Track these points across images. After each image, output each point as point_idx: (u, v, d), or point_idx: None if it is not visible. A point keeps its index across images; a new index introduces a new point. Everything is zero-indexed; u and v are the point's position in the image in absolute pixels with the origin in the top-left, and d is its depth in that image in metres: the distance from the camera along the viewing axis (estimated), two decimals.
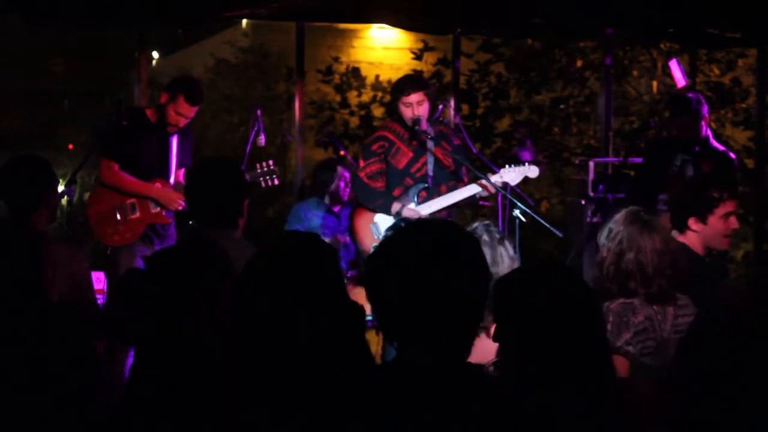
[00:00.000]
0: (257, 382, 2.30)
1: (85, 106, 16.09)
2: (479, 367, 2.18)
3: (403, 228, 2.19)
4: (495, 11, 7.71)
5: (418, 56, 11.28)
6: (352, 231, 5.82)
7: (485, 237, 3.74)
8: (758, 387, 2.28)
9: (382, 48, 15.50)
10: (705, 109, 5.95)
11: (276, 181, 5.69)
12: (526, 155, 7.16)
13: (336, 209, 6.79)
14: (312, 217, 6.68)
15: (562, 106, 11.38)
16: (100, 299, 6.28)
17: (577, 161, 8.60)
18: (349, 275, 5.86)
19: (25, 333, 3.48)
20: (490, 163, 5.99)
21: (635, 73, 11.41)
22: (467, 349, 2.14)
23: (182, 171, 5.83)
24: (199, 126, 12.82)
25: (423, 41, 11.19)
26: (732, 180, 6.05)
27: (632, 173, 8.38)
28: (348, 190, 6.66)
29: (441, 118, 6.16)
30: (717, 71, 10.92)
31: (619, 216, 3.87)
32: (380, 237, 2.90)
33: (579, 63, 11.21)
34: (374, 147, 5.72)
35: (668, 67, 8.92)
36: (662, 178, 6.03)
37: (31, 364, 3.39)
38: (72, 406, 3.33)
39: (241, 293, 2.39)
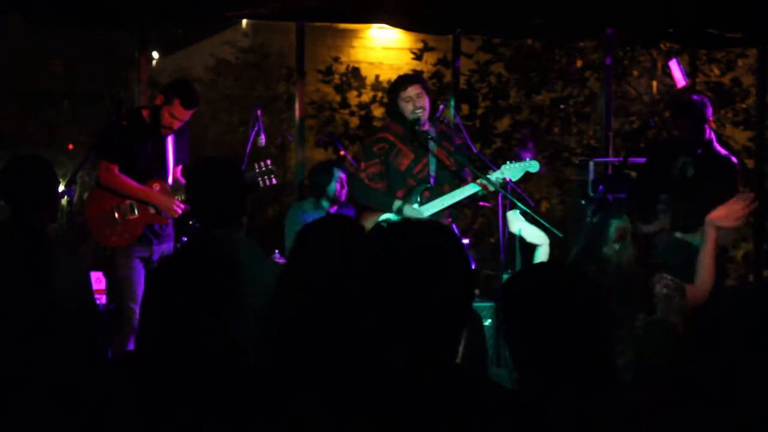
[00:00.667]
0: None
1: (85, 106, 16.09)
2: (465, 369, 2.17)
3: (383, 229, 2.18)
4: (495, 11, 7.71)
5: (418, 56, 11.29)
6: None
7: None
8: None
9: (382, 48, 15.50)
10: (709, 111, 5.93)
11: (274, 181, 5.69)
12: (528, 156, 7.16)
13: (332, 210, 6.78)
14: (310, 219, 6.67)
15: (562, 106, 11.38)
16: (100, 299, 6.30)
17: (577, 161, 8.61)
18: None
19: (28, 333, 3.49)
20: (490, 162, 5.99)
21: (635, 73, 11.41)
22: (453, 351, 2.12)
23: (179, 168, 5.83)
24: (199, 126, 12.82)
25: (423, 41, 11.20)
26: (732, 184, 6.04)
27: (632, 173, 8.39)
28: (344, 191, 6.64)
29: (441, 118, 6.16)
30: (717, 71, 10.92)
31: (609, 232, 3.88)
32: None
33: (579, 63, 11.21)
34: (375, 148, 5.72)
35: (668, 67, 8.91)
36: (663, 179, 6.02)
37: (34, 363, 3.39)
38: (76, 404, 3.33)
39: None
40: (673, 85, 9.20)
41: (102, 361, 3.87)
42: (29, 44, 14.82)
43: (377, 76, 12.00)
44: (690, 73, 9.58)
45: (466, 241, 6.46)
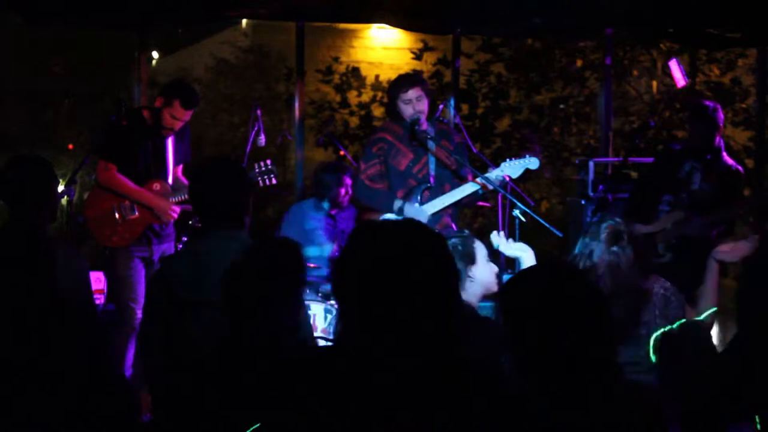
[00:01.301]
0: None
1: (85, 106, 16.08)
2: (466, 366, 2.16)
3: (365, 227, 2.20)
4: (495, 11, 7.71)
5: (418, 56, 11.29)
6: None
7: (460, 248, 3.78)
8: None
9: (382, 48, 15.50)
10: (720, 117, 5.92)
11: (274, 181, 5.68)
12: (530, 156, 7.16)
13: (332, 212, 6.78)
14: (309, 219, 6.67)
15: (562, 106, 11.39)
16: (100, 299, 6.30)
17: (577, 161, 8.61)
18: None
19: (28, 333, 3.49)
20: (490, 162, 5.98)
21: (635, 73, 11.42)
22: (441, 344, 2.12)
23: (180, 168, 5.83)
24: (199, 126, 12.83)
25: (423, 41, 11.20)
26: (734, 196, 6.04)
27: (632, 173, 8.39)
28: (347, 197, 6.63)
29: (441, 118, 6.16)
30: (717, 71, 10.92)
31: (602, 234, 3.89)
32: None
33: (579, 63, 11.21)
34: (374, 149, 5.71)
35: (668, 67, 8.92)
36: (669, 181, 6.03)
37: (34, 363, 3.39)
38: (85, 402, 3.33)
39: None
40: (673, 85, 9.20)
41: (103, 361, 3.87)
42: (29, 44, 14.82)
43: (377, 76, 12.01)
44: (690, 73, 9.57)
45: None
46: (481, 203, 6.30)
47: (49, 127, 16.26)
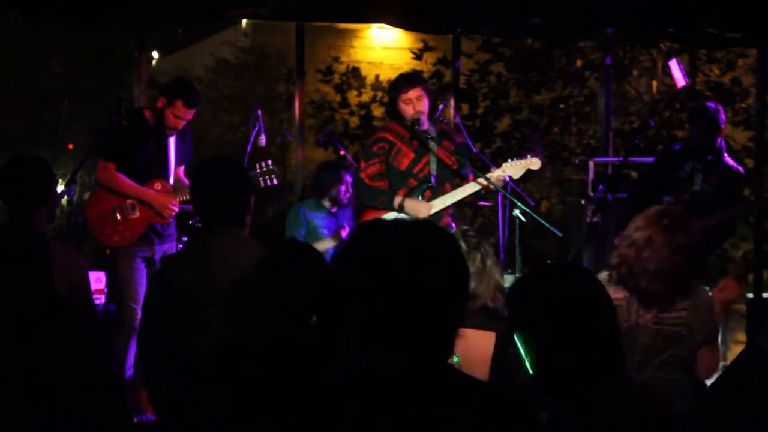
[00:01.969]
0: None
1: (85, 106, 16.09)
2: (457, 371, 2.15)
3: (372, 227, 2.14)
4: (495, 11, 7.71)
5: (418, 56, 11.29)
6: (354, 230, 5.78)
7: (461, 243, 3.74)
8: None
9: (382, 48, 15.52)
10: (722, 119, 5.92)
11: (275, 181, 5.68)
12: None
13: (333, 209, 6.79)
14: (311, 218, 6.68)
15: (562, 106, 11.39)
16: (100, 299, 6.30)
17: (577, 161, 8.61)
18: None
19: (27, 333, 3.49)
20: (490, 162, 5.99)
21: (635, 73, 11.42)
22: (446, 351, 2.09)
23: (182, 168, 5.83)
24: (199, 126, 12.84)
25: (423, 41, 11.20)
26: (735, 196, 6.04)
27: (632, 173, 8.39)
28: (348, 195, 6.64)
29: (441, 117, 6.16)
30: (717, 71, 10.92)
31: (648, 212, 3.82)
32: None
33: (579, 63, 11.21)
34: (374, 148, 5.71)
35: (668, 67, 8.92)
36: (669, 181, 6.03)
37: (33, 363, 3.39)
38: (85, 403, 3.33)
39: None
40: (673, 85, 9.20)
41: (100, 362, 3.87)
42: (29, 44, 14.82)
43: (377, 76, 12.01)
44: (690, 73, 9.57)
45: None
46: (481, 202, 6.30)
47: (49, 127, 16.27)
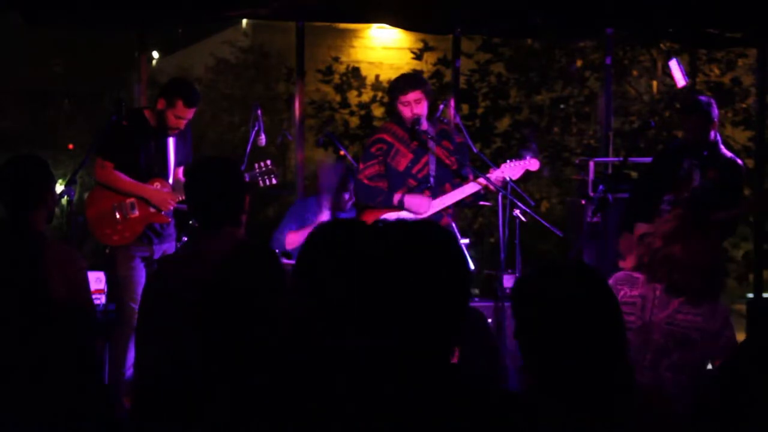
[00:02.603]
0: None
1: (85, 106, 16.11)
2: (461, 369, 2.15)
3: (376, 227, 2.15)
4: (495, 11, 7.70)
5: (418, 56, 11.29)
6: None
7: None
8: None
9: (382, 48, 15.52)
10: (715, 112, 5.91)
11: (274, 181, 5.68)
12: (530, 156, 7.18)
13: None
14: (311, 214, 6.68)
15: (562, 106, 11.39)
16: (100, 299, 6.29)
17: (577, 161, 8.61)
18: None
19: (24, 334, 3.48)
20: (490, 162, 5.99)
21: (635, 73, 11.41)
22: (449, 349, 2.09)
23: (181, 169, 5.83)
24: (199, 126, 12.84)
25: (423, 41, 11.20)
26: (737, 188, 6.04)
27: (633, 173, 8.38)
28: (351, 202, 6.62)
29: (441, 118, 6.16)
30: (717, 71, 10.92)
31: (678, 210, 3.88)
32: None
33: (579, 63, 11.21)
34: (372, 149, 5.72)
35: (668, 67, 8.91)
36: (668, 180, 6.02)
37: (30, 364, 3.39)
38: (74, 405, 3.32)
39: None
40: (673, 85, 9.20)
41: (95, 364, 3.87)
42: (29, 44, 14.83)
43: (377, 76, 12.01)
44: (690, 73, 9.58)
45: (466, 241, 6.45)
46: (481, 203, 6.30)
47: (49, 127, 16.28)
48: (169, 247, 5.73)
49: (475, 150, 6.10)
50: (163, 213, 5.65)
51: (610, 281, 3.74)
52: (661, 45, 10.72)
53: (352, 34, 15.54)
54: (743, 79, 10.77)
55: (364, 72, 12.10)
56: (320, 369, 2.18)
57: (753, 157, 9.29)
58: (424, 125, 5.59)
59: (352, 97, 11.69)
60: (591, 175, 7.38)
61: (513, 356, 5.27)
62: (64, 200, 5.64)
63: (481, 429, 2.02)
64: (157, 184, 5.64)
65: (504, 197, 5.74)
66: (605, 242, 6.62)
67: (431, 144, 5.68)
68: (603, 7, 7.65)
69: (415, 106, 5.56)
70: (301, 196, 7.70)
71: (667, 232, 3.77)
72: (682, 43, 9.58)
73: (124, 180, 5.58)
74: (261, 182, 5.65)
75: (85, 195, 6.08)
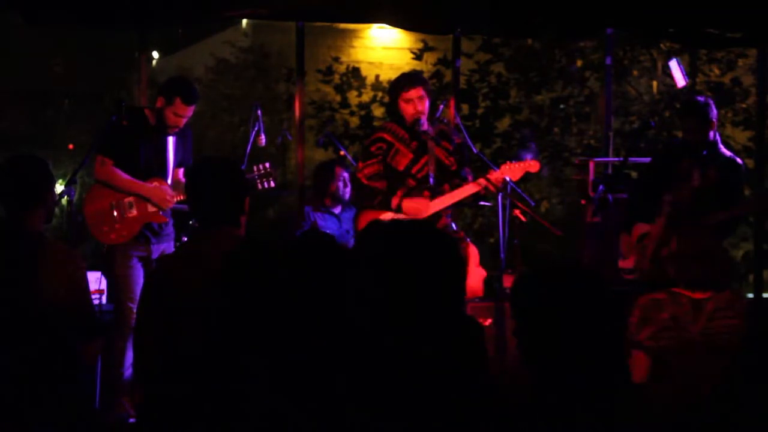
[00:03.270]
0: None
1: (85, 106, 16.11)
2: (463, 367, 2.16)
3: (371, 227, 2.17)
4: (495, 11, 7.70)
5: (418, 56, 11.29)
6: (357, 233, 5.82)
7: None
8: None
9: (382, 48, 15.52)
10: (713, 113, 5.90)
11: (272, 184, 5.68)
12: (529, 156, 7.18)
13: (337, 210, 6.79)
14: (315, 218, 6.72)
15: (562, 106, 11.38)
16: (100, 299, 6.29)
17: (577, 161, 8.60)
18: None
19: (21, 334, 3.48)
20: (490, 162, 5.99)
21: (635, 73, 11.41)
22: (447, 337, 2.11)
23: (181, 170, 5.83)
24: (199, 126, 12.83)
25: (423, 41, 11.20)
26: (737, 187, 6.03)
27: (633, 173, 8.38)
28: (347, 189, 6.69)
29: (441, 118, 6.16)
30: (717, 71, 10.92)
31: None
32: None
33: (579, 63, 11.21)
34: (372, 149, 5.72)
35: (668, 67, 8.91)
36: (668, 180, 6.02)
37: (26, 365, 3.38)
38: (61, 406, 3.32)
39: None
40: (673, 85, 9.20)
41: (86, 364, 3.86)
42: (29, 44, 14.83)
43: (377, 76, 12.00)
44: (690, 73, 9.58)
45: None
46: (481, 203, 6.29)
47: (49, 127, 16.28)
48: (167, 247, 5.73)
49: (475, 150, 6.10)
50: (161, 212, 5.65)
51: (639, 309, 3.80)
52: (661, 45, 10.72)
53: (352, 34, 15.54)
54: (743, 79, 10.77)
55: (364, 72, 12.10)
56: (321, 368, 2.19)
57: (753, 157, 9.29)
58: (425, 125, 5.59)
59: (352, 97, 11.69)
60: (591, 175, 7.38)
61: (513, 356, 5.27)
62: (64, 200, 5.64)
63: (482, 429, 2.03)
64: (155, 183, 5.64)
65: (504, 197, 5.74)
66: (605, 242, 6.63)
67: (431, 144, 5.67)
68: (603, 7, 7.64)
69: (417, 102, 5.56)
70: (299, 197, 7.72)
71: (660, 233, 3.83)
72: (682, 43, 9.57)
73: (123, 177, 5.59)
74: (259, 185, 5.65)
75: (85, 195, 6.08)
